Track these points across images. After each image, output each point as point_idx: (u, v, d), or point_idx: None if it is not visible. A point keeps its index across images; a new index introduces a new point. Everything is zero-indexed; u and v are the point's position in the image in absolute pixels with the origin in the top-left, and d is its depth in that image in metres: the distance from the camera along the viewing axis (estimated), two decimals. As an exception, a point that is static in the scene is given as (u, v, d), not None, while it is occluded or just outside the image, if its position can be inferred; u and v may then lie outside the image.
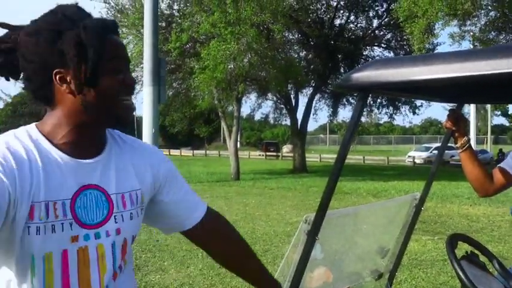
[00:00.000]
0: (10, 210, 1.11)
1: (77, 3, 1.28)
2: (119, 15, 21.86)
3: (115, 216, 1.27)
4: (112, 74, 1.21)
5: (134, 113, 1.34)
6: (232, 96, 21.19)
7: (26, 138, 1.20)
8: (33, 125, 1.25)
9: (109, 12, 22.11)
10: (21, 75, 1.25)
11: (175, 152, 45.07)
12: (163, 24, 21.13)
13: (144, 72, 10.48)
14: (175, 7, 22.46)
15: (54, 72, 1.19)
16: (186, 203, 1.48)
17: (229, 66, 18.97)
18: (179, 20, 21.24)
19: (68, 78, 1.19)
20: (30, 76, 1.22)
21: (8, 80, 1.27)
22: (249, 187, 17.97)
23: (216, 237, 1.56)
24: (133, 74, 27.00)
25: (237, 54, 18.12)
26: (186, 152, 48.80)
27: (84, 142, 1.25)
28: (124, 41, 21.88)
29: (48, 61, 1.18)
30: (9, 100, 63.62)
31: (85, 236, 1.22)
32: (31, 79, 1.22)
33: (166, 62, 16.67)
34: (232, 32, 17.58)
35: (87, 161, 1.24)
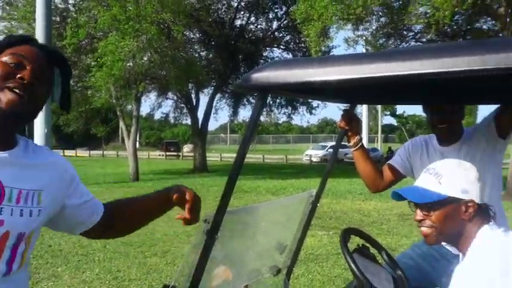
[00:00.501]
0: None
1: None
2: (7, 8, 20.51)
3: (1, 207, 1.31)
4: (2, 63, 1.36)
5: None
6: (131, 94, 20.68)
7: None
8: None
9: (-4, 3, 20.67)
10: None
11: (70, 152, 43.05)
12: (57, 18, 20.16)
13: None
14: (70, 1, 21.51)
15: None
16: (87, 206, 1.59)
17: (128, 64, 18.49)
18: (74, 15, 20.35)
19: None
20: None
21: None
22: (148, 188, 17.64)
23: (111, 227, 1.69)
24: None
25: (136, 51, 17.71)
26: (82, 153, 46.88)
27: None
28: (13, 35, 20.67)
29: None
30: None
31: None
32: None
33: (60, 58, 15.86)
34: (132, 26, 17.15)
35: None
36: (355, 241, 2.38)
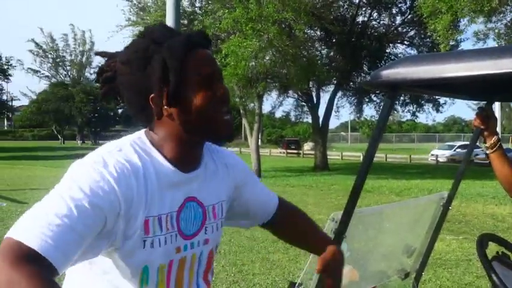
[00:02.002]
0: (117, 218, 1.11)
1: (163, 23, 1.31)
2: (141, 13, 22.02)
3: (205, 227, 1.32)
4: (200, 91, 1.19)
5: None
6: (253, 93, 21.17)
7: (138, 148, 1.21)
8: (142, 133, 1.26)
9: (131, 10, 22.31)
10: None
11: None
12: (185, 21, 21.24)
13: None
14: (197, 4, 22.57)
15: (150, 97, 1.19)
16: (261, 199, 1.54)
17: (251, 64, 18.96)
18: (201, 18, 21.32)
19: (163, 102, 1.19)
20: (130, 101, 1.25)
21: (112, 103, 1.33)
22: (270, 185, 17.93)
23: (287, 225, 1.61)
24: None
25: (258, 51, 18.09)
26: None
27: (187, 156, 1.26)
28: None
29: (143, 88, 1.19)
30: (34, 97, 64.91)
31: (184, 247, 1.26)
32: (131, 104, 1.25)
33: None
34: (253, 28, 17.57)
35: (189, 174, 1.27)
36: (492, 248, 2.22)
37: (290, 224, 1.61)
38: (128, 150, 1.18)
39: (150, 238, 1.16)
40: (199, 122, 1.20)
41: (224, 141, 1.30)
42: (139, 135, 1.25)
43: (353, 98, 28.96)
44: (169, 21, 10.58)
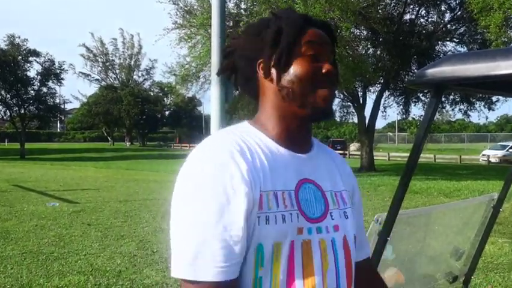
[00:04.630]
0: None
1: (291, 9, 1.32)
2: (187, 16, 22.32)
3: (330, 212, 1.24)
4: (306, 59, 1.21)
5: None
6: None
7: (243, 133, 1.21)
8: (245, 122, 1.28)
9: (178, 13, 22.64)
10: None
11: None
12: (231, 23, 21.38)
13: (212, 72, 10.60)
14: (242, 6, 22.67)
15: (258, 62, 1.24)
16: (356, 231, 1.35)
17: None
18: (246, 19, 21.41)
19: (270, 66, 1.23)
20: (241, 71, 1.28)
21: (230, 79, 1.33)
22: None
23: None
24: (201, 73, 26.61)
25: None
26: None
27: (294, 135, 1.25)
28: (193, 41, 22.53)
29: (254, 52, 1.24)
30: (85, 100, 66.89)
31: (308, 229, 1.18)
32: (242, 74, 1.28)
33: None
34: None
35: (301, 155, 1.24)
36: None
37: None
38: (230, 135, 1.20)
39: (264, 214, 1.11)
40: (297, 89, 1.20)
41: (321, 117, 1.25)
42: (241, 123, 1.27)
43: (400, 98, 28.49)
44: (215, 23, 10.63)
